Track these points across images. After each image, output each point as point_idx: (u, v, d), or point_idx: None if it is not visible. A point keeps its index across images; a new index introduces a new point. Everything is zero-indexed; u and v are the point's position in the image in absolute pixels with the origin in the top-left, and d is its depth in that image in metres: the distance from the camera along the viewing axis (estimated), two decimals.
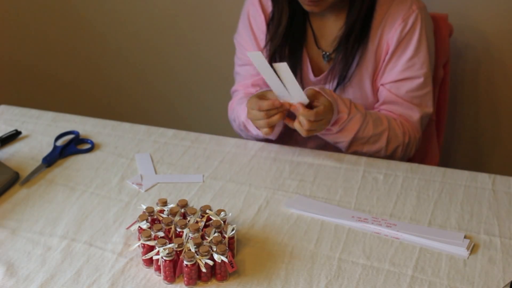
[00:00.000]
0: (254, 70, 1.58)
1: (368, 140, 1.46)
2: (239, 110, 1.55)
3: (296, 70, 1.54)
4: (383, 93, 1.52)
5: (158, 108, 2.52)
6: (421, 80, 1.50)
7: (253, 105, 1.37)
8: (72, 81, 2.59)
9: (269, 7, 1.55)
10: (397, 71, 1.49)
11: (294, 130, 1.38)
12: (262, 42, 1.57)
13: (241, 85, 1.64)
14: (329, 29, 1.53)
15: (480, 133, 2.13)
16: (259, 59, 1.29)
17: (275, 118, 1.35)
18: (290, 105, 1.34)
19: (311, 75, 1.55)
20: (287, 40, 1.52)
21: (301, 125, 1.34)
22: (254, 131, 1.49)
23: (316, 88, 1.37)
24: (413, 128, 1.52)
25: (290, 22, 1.51)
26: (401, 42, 1.48)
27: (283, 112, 1.36)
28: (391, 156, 1.50)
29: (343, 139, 1.44)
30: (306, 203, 1.28)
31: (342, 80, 1.50)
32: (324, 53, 1.54)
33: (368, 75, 1.52)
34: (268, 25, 1.55)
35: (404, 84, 1.50)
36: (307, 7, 1.45)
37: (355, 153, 1.47)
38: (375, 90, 1.54)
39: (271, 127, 1.38)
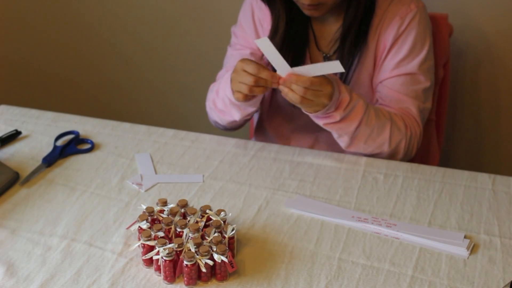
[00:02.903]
0: (250, 56, 1.55)
1: (371, 132, 1.40)
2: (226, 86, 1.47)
3: None
4: (379, 89, 1.52)
5: (158, 108, 2.52)
6: (417, 75, 1.48)
7: (247, 66, 1.30)
8: (72, 81, 2.59)
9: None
10: (393, 67, 1.48)
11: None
12: (266, 32, 1.54)
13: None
14: (328, 30, 1.53)
15: (480, 133, 2.13)
16: (267, 45, 1.25)
17: (260, 89, 1.30)
18: (279, 77, 1.29)
19: None
20: (290, 44, 1.50)
21: (295, 92, 1.28)
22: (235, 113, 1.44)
23: None
24: (413, 122, 1.48)
25: (291, 26, 1.50)
26: (398, 39, 1.47)
27: (268, 88, 1.31)
28: (393, 154, 1.45)
29: (347, 129, 1.38)
30: (306, 203, 1.28)
31: (343, 82, 1.50)
32: (324, 54, 1.54)
33: (368, 74, 1.52)
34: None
35: (400, 79, 1.48)
36: (307, 12, 1.44)
37: (356, 152, 1.45)
38: (374, 89, 1.53)
39: (247, 95, 1.31)
